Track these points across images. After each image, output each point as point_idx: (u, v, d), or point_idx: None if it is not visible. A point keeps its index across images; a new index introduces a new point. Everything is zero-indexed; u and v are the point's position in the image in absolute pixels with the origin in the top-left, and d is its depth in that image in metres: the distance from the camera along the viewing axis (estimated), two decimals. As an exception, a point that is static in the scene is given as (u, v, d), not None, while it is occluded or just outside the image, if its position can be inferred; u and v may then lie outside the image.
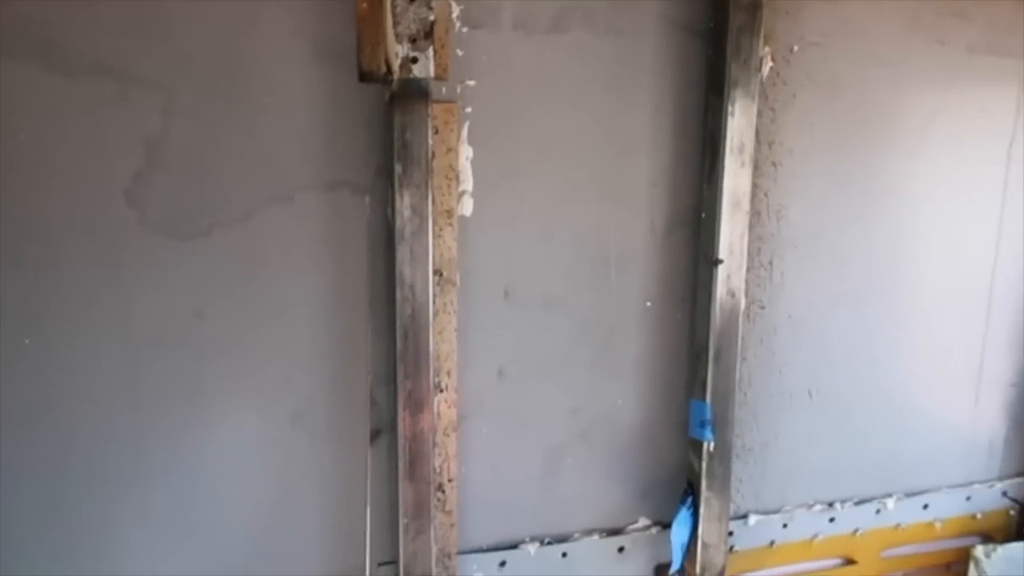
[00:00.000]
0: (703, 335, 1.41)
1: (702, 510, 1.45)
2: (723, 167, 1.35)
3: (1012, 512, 1.77)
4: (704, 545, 1.46)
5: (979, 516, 1.74)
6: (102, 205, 1.15)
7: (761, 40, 1.34)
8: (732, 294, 1.39)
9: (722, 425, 1.42)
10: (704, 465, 1.43)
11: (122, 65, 1.12)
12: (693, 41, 1.36)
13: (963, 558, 1.72)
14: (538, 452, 1.43)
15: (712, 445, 1.42)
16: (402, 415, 1.27)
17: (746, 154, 1.35)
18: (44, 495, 1.21)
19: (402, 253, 1.22)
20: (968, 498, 1.73)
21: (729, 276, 1.38)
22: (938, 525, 1.71)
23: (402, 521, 1.30)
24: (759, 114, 1.40)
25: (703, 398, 1.41)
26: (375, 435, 1.33)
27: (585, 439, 1.45)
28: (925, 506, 1.69)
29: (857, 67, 1.47)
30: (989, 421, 1.73)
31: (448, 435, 1.35)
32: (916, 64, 1.50)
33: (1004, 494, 1.75)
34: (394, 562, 1.35)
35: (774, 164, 1.45)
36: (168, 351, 1.22)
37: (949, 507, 1.71)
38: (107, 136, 1.13)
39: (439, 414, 1.33)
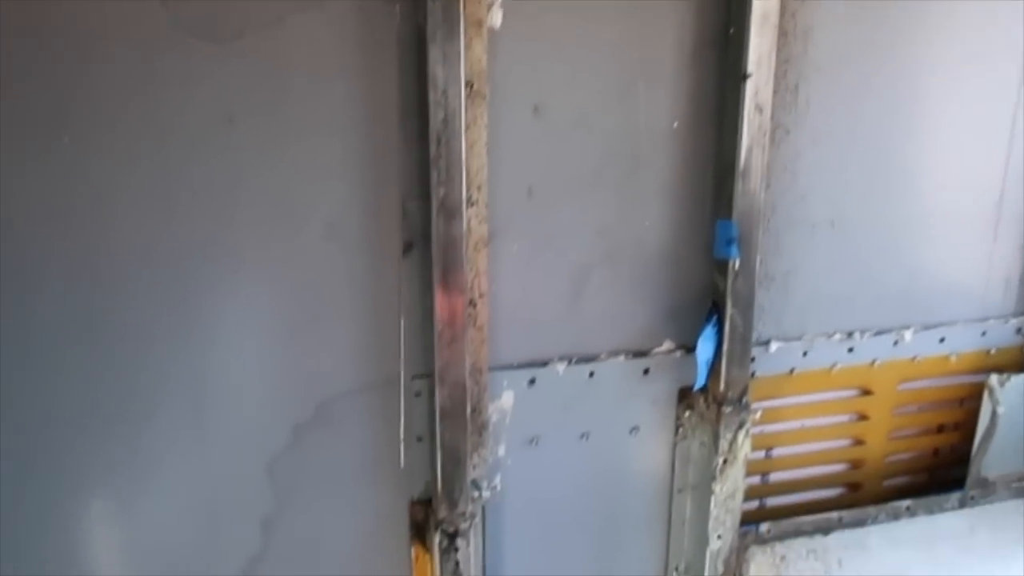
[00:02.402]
0: (730, 152, 1.41)
1: (726, 328, 1.48)
2: (752, -22, 1.34)
3: (1025, 348, 1.81)
4: (728, 363, 1.50)
5: (993, 352, 1.78)
6: (134, 6, 1.15)
7: None
8: (760, 109, 1.39)
9: (747, 244, 1.44)
10: (729, 284, 1.46)
11: None
12: None
13: (976, 393, 1.77)
14: (566, 272, 1.46)
15: (737, 263, 1.44)
16: (436, 221, 1.29)
17: (775, -34, 1.34)
18: (77, 300, 1.24)
19: (434, 55, 1.23)
20: (983, 333, 1.76)
21: (757, 91, 1.38)
22: (953, 359, 1.74)
23: (437, 328, 1.33)
24: (788, -71, 1.39)
25: (729, 216, 1.43)
26: (407, 247, 1.35)
27: (612, 260, 1.47)
28: (942, 339, 1.72)
29: None
30: (1006, 258, 1.75)
31: (479, 251, 1.38)
32: None
33: (1018, 331, 1.78)
34: (428, 375, 1.39)
35: (802, -17, 1.44)
36: (201, 157, 1.23)
37: (964, 341, 1.75)
38: (137, -68, 1.13)
39: (470, 229, 1.35)
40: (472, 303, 1.39)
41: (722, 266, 1.47)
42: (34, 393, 1.25)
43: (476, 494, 1.48)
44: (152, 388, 1.30)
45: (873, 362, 1.69)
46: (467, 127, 1.30)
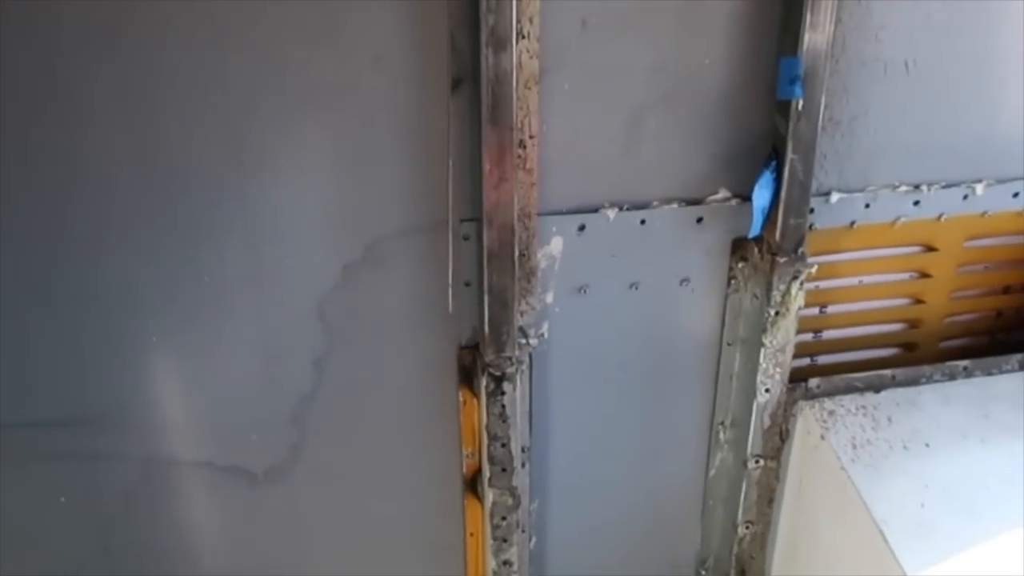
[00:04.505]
0: (799, -19, 1.32)
1: (785, 174, 1.42)
2: None
3: (1103, 209, 1.71)
4: (785, 211, 1.44)
5: (1070, 210, 1.68)
6: None
7: None
8: (834, -67, 1.28)
9: (812, 84, 1.36)
10: (791, 127, 1.38)
11: None
12: None
13: (1048, 254, 1.69)
14: (620, 113, 1.40)
15: (801, 104, 1.37)
16: (484, 54, 1.23)
17: None
18: (131, 125, 1.23)
19: None
20: (1061, 189, 1.66)
21: (833, -88, 1.28)
22: (1027, 215, 1.66)
23: (485, 168, 1.30)
24: None
25: (795, 53, 1.35)
26: (456, 84, 1.30)
27: (668, 101, 1.40)
28: (1015, 194, 1.63)
29: None
30: (1093, 110, 1.63)
31: (529, 88, 1.32)
32: None
33: (1099, 188, 1.68)
34: (477, 218, 1.37)
35: None
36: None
37: (1041, 197, 1.66)
38: None
39: (520, 64, 1.29)
40: (522, 144, 1.35)
41: (784, 107, 1.39)
42: (91, 219, 1.27)
43: (523, 340, 1.48)
44: (208, 220, 1.31)
45: (940, 217, 1.61)
46: (518, -48, 1.23)
